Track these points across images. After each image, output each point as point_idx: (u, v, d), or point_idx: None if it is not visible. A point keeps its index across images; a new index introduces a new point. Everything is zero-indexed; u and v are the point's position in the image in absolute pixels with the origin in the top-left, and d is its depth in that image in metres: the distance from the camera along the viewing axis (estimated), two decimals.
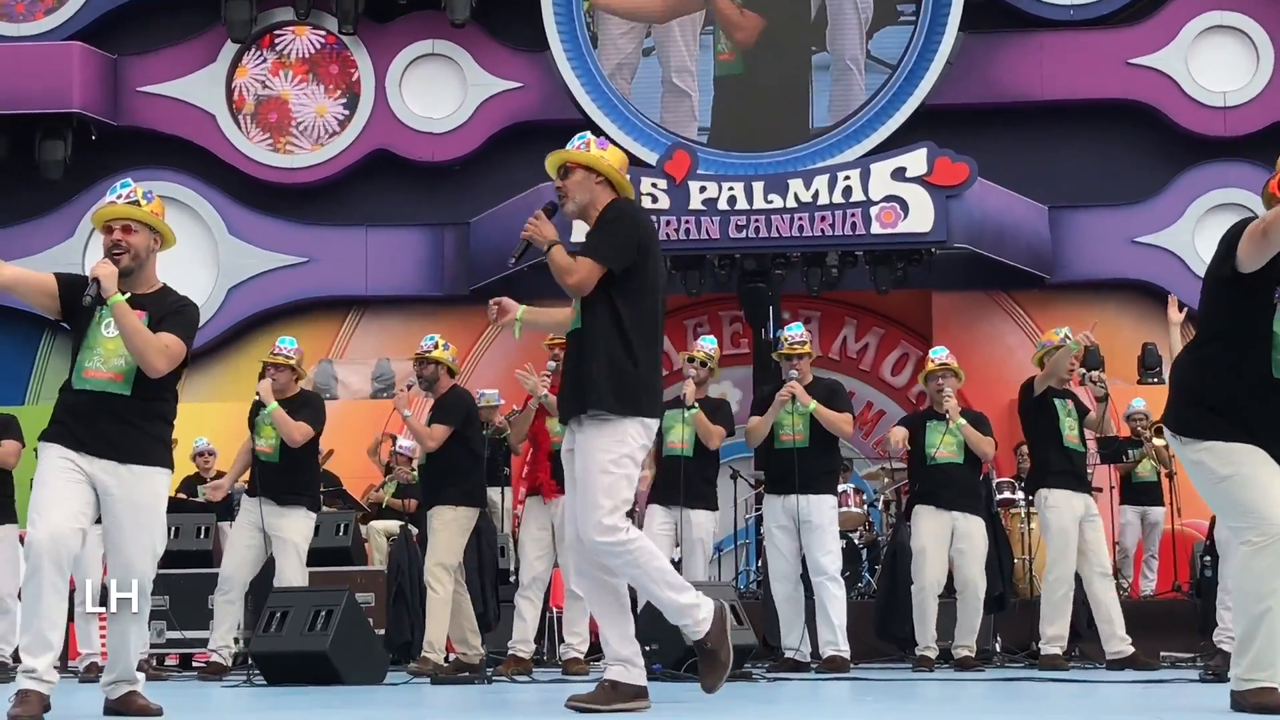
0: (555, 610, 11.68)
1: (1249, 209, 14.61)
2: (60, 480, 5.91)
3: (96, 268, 6.00)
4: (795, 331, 10.55)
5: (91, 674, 9.83)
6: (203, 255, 17.52)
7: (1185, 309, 9.13)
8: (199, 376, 17.10)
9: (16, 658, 9.93)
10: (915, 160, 15.64)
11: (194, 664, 11.67)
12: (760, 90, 17.46)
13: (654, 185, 15.79)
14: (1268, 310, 5.23)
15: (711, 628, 5.82)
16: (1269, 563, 5.14)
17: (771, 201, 15.72)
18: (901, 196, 15.56)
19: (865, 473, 15.39)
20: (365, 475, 14.84)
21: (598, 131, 16.98)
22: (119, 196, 6.18)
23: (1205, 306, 5.46)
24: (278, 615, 9.17)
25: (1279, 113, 17.03)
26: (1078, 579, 10.31)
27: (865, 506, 13.71)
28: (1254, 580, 5.18)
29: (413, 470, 13.23)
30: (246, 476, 10.53)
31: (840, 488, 11.47)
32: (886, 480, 14.28)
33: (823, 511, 10.15)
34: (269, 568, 10.33)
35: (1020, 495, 12.64)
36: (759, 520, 12.44)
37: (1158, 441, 13.20)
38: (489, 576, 11.02)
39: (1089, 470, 13.79)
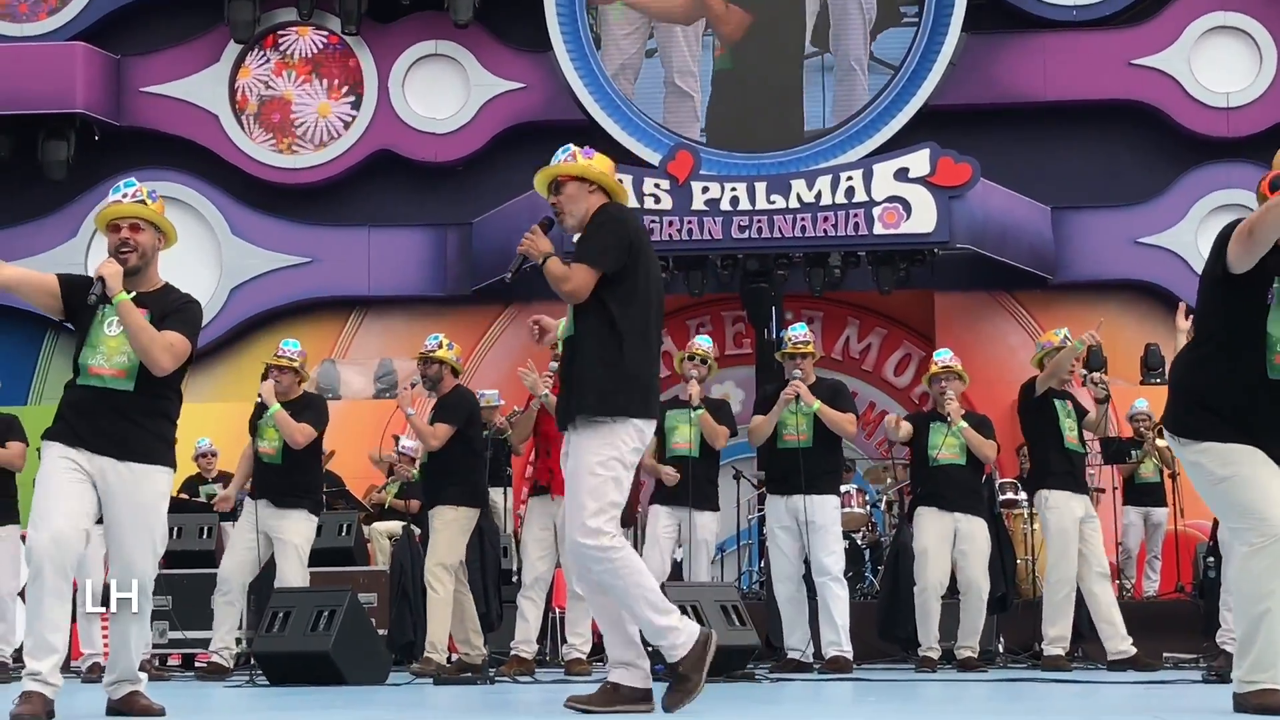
0: (558, 610, 11.68)
1: (1252, 210, 14.54)
2: (62, 482, 5.90)
3: (101, 266, 6.01)
4: (799, 331, 10.56)
5: (94, 674, 9.83)
6: (205, 255, 17.52)
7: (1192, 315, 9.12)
8: (201, 377, 17.09)
9: (16, 658, 9.98)
10: (918, 161, 15.64)
11: (196, 664, 11.67)
12: (751, 88, 17.45)
13: (657, 186, 15.78)
14: (1262, 311, 5.22)
15: (689, 653, 5.68)
16: (1267, 564, 5.14)
17: (774, 202, 15.72)
18: (904, 197, 15.55)
19: (866, 470, 15.38)
20: (368, 476, 14.85)
21: (597, 133, 17.02)
22: (124, 195, 6.18)
23: (1201, 307, 5.47)
24: (280, 615, 9.19)
25: None
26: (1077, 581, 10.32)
27: (868, 507, 13.71)
28: (1253, 581, 5.18)
29: (414, 470, 13.24)
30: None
31: (843, 488, 11.48)
32: (889, 481, 14.28)
33: (826, 512, 10.16)
34: (272, 569, 10.34)
35: (1023, 496, 12.64)
36: (762, 521, 12.43)
37: (1160, 443, 13.20)
38: (491, 577, 11.02)
39: (1092, 471, 13.85)
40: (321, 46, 18.22)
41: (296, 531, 10.13)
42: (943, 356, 10.89)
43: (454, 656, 10.10)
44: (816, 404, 10.13)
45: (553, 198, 6.10)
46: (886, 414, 10.79)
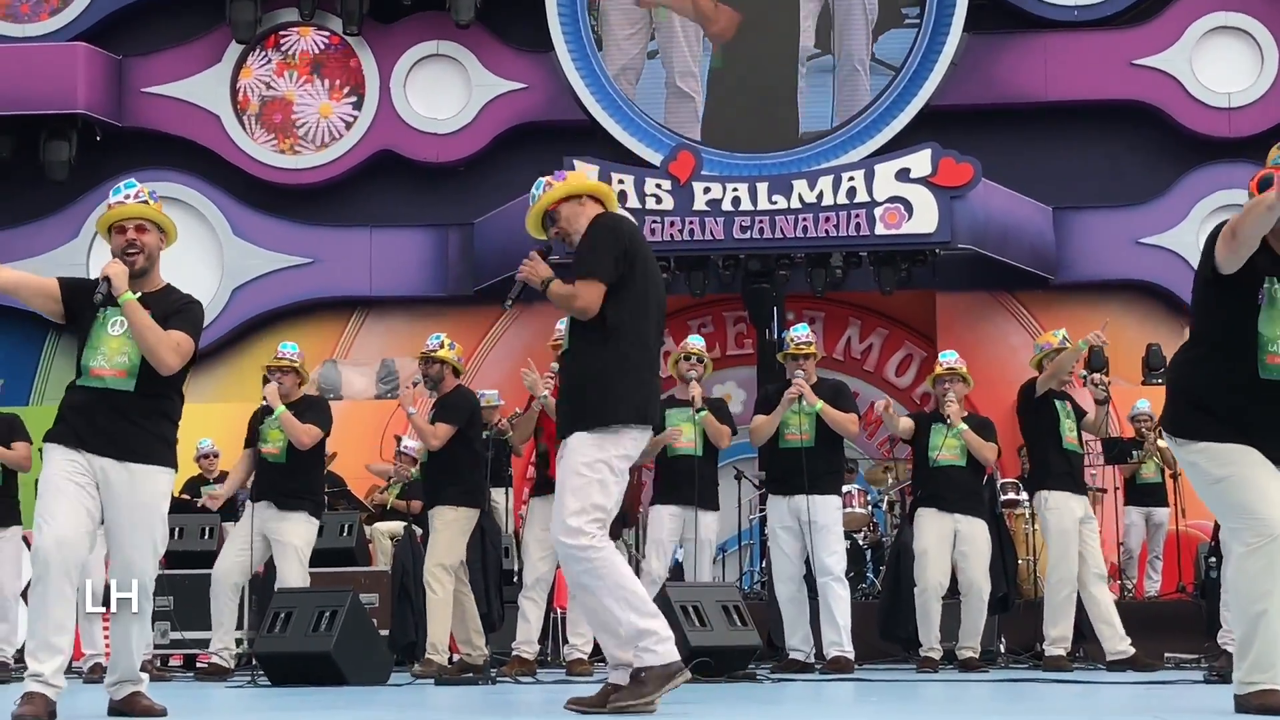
0: (559, 611, 11.69)
1: None
2: (66, 485, 5.91)
3: (108, 266, 6.04)
4: (801, 332, 10.57)
5: (96, 675, 9.83)
6: (207, 256, 17.53)
7: None
8: (203, 377, 17.09)
9: (19, 659, 9.99)
10: (919, 161, 15.64)
11: (197, 665, 11.68)
12: (743, 89, 17.44)
13: (658, 186, 15.78)
14: (1253, 311, 5.23)
15: (658, 667, 5.62)
16: (1263, 564, 5.14)
17: (776, 202, 15.72)
18: (906, 197, 15.55)
19: (867, 471, 15.37)
20: (369, 477, 14.85)
21: (598, 133, 17.04)
22: (126, 196, 6.19)
23: (1195, 307, 5.49)
24: (282, 616, 9.19)
25: None
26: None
27: (869, 507, 13.72)
28: (1249, 582, 5.18)
29: (413, 470, 13.25)
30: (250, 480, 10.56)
31: (844, 488, 11.48)
32: (890, 481, 14.29)
33: (828, 512, 10.18)
34: (274, 571, 10.35)
35: (1024, 496, 12.64)
36: (763, 521, 12.44)
37: (1162, 443, 13.21)
38: (493, 577, 11.03)
39: (1093, 472, 13.85)
40: (323, 47, 18.22)
41: (297, 534, 10.13)
42: (948, 358, 10.89)
43: (455, 657, 10.10)
44: (820, 404, 10.14)
45: (551, 230, 6.11)
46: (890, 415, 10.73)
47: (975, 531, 10.53)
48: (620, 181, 15.65)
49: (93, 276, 6.12)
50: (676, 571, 11.37)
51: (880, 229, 15.57)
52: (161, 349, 5.99)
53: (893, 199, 15.55)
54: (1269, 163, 5.29)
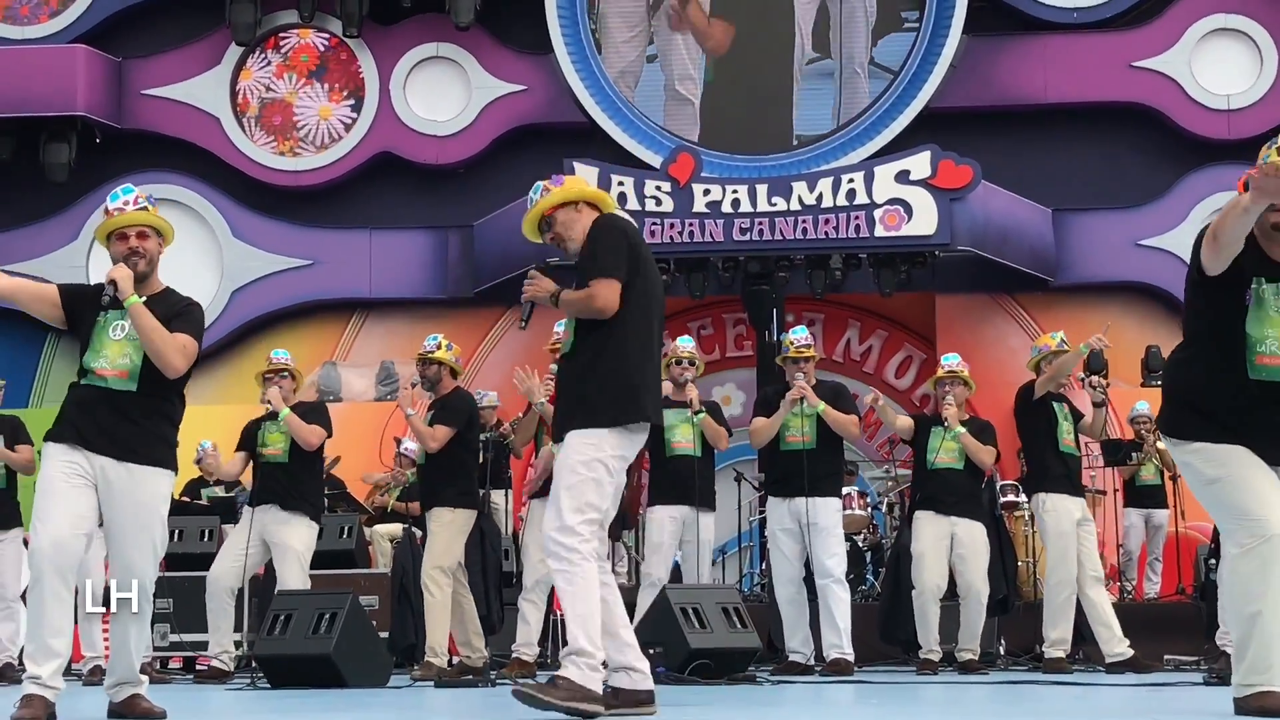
0: (559, 613, 11.68)
1: None
2: (63, 485, 5.92)
3: (113, 270, 6.07)
4: (800, 335, 10.57)
5: (95, 677, 9.84)
6: (207, 258, 17.53)
7: None
8: (203, 379, 17.08)
9: (23, 660, 9.99)
10: (919, 163, 15.65)
11: (197, 668, 11.68)
12: (741, 93, 17.45)
13: (658, 188, 15.79)
14: (1241, 311, 5.24)
15: (575, 684, 5.55)
16: (1256, 565, 5.14)
17: (775, 204, 15.73)
18: (905, 199, 15.56)
19: (870, 475, 15.39)
20: (372, 473, 14.84)
21: (598, 135, 17.04)
22: (125, 203, 6.21)
23: (1186, 309, 5.51)
24: (282, 618, 9.19)
25: None
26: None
27: (869, 509, 13.73)
28: (1243, 583, 5.19)
29: (409, 473, 13.26)
30: (248, 476, 10.58)
31: (844, 490, 11.48)
32: (890, 483, 14.29)
33: (828, 514, 10.18)
34: (274, 573, 10.35)
35: (1024, 498, 12.64)
36: (763, 523, 12.44)
37: (1161, 445, 13.21)
38: (493, 579, 11.03)
39: (1093, 473, 13.86)
40: (323, 49, 18.23)
41: (299, 538, 10.14)
42: (950, 361, 10.90)
43: (455, 659, 10.10)
44: (822, 405, 10.15)
45: (547, 235, 6.10)
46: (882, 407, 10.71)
47: (973, 534, 10.54)
48: (620, 183, 15.66)
49: (93, 279, 6.15)
50: (675, 574, 11.37)
51: (880, 231, 15.58)
52: (169, 352, 6.02)
53: (892, 201, 15.56)
54: (1259, 161, 5.30)
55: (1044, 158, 17.33)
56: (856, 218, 15.58)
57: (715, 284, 16.56)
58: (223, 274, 17.64)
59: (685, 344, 10.66)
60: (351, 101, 18.05)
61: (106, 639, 8.65)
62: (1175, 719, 5.72)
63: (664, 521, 10.36)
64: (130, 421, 6.04)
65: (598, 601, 5.74)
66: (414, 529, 11.90)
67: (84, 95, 17.45)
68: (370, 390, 17.59)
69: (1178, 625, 11.92)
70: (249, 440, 10.42)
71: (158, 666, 11.33)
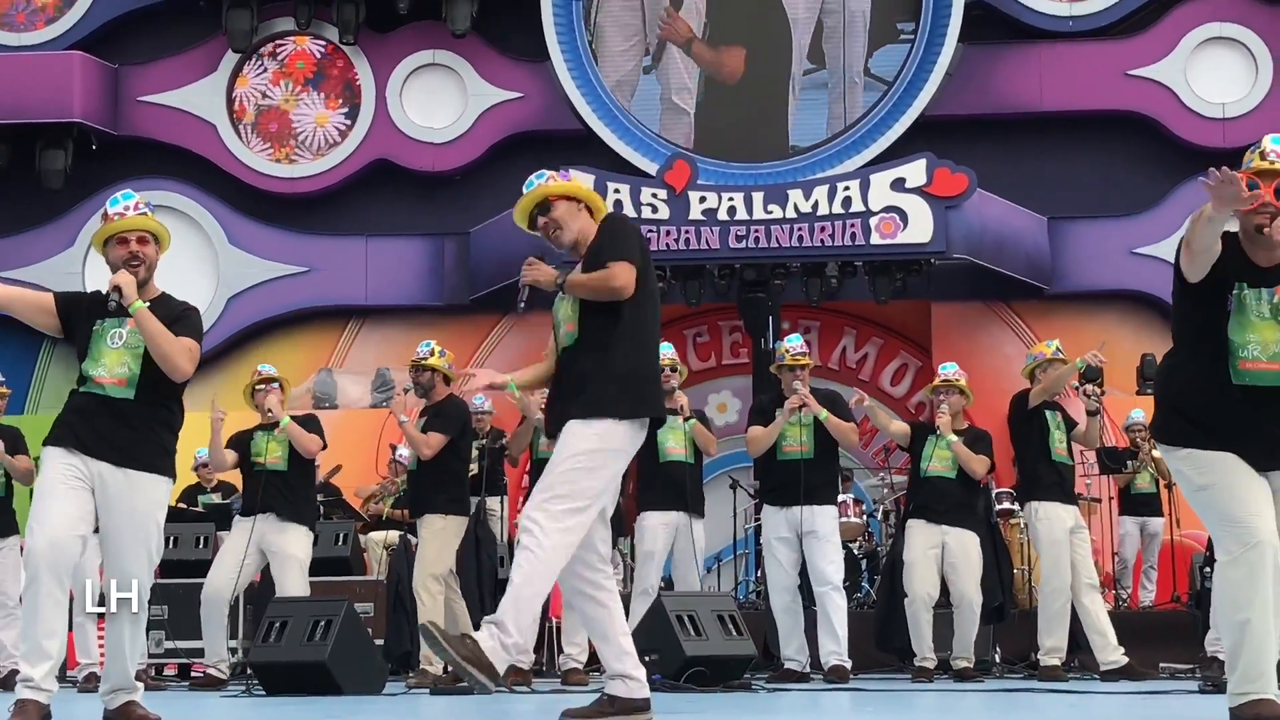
0: (554, 620, 11.68)
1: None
2: (60, 487, 5.93)
3: (117, 276, 6.09)
4: (795, 343, 10.57)
5: (90, 684, 9.84)
6: (203, 265, 17.53)
7: None
8: (199, 386, 16.93)
9: None
10: (915, 171, 15.66)
11: (192, 675, 11.67)
12: (732, 108, 17.46)
13: (654, 195, 15.80)
14: (1223, 317, 5.26)
15: (484, 655, 5.44)
16: (1244, 572, 5.14)
17: (771, 212, 15.74)
18: (901, 207, 15.58)
19: (866, 483, 15.40)
20: (364, 484, 14.84)
21: (594, 142, 17.04)
22: (126, 208, 6.22)
23: (1173, 314, 5.53)
24: (277, 625, 9.18)
25: (1277, 124, 17.03)
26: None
27: (865, 517, 13.73)
28: (1231, 590, 5.19)
29: (399, 480, 13.27)
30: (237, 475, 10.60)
31: (840, 498, 11.49)
32: (886, 491, 14.29)
33: (826, 521, 10.19)
34: (270, 581, 10.34)
35: (1019, 506, 12.64)
36: (758, 530, 12.43)
37: (1156, 453, 13.21)
38: (488, 585, 11.03)
39: (1088, 481, 13.86)
40: (319, 56, 18.24)
41: (299, 546, 10.14)
42: (947, 370, 10.90)
43: (449, 666, 10.08)
44: (824, 413, 10.16)
45: (541, 220, 6.08)
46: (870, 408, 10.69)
47: (964, 543, 10.52)
48: (616, 191, 15.68)
49: (89, 286, 6.17)
50: (666, 581, 11.37)
51: (875, 239, 15.59)
52: (176, 355, 6.04)
53: (888, 209, 15.57)
54: (1243, 166, 5.33)
55: (1039, 166, 17.35)
56: (852, 225, 15.59)
57: (711, 291, 16.57)
58: (219, 281, 17.64)
59: (666, 351, 10.64)
60: (347, 108, 18.06)
61: (102, 646, 8.66)
62: None
63: (656, 529, 10.37)
64: (130, 428, 6.05)
65: (545, 592, 5.69)
66: (409, 536, 11.89)
67: (80, 102, 17.45)
68: (366, 397, 17.58)
69: (1173, 633, 11.92)
70: (237, 450, 10.40)
71: (153, 673, 11.32)
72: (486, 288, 16.56)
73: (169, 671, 12.28)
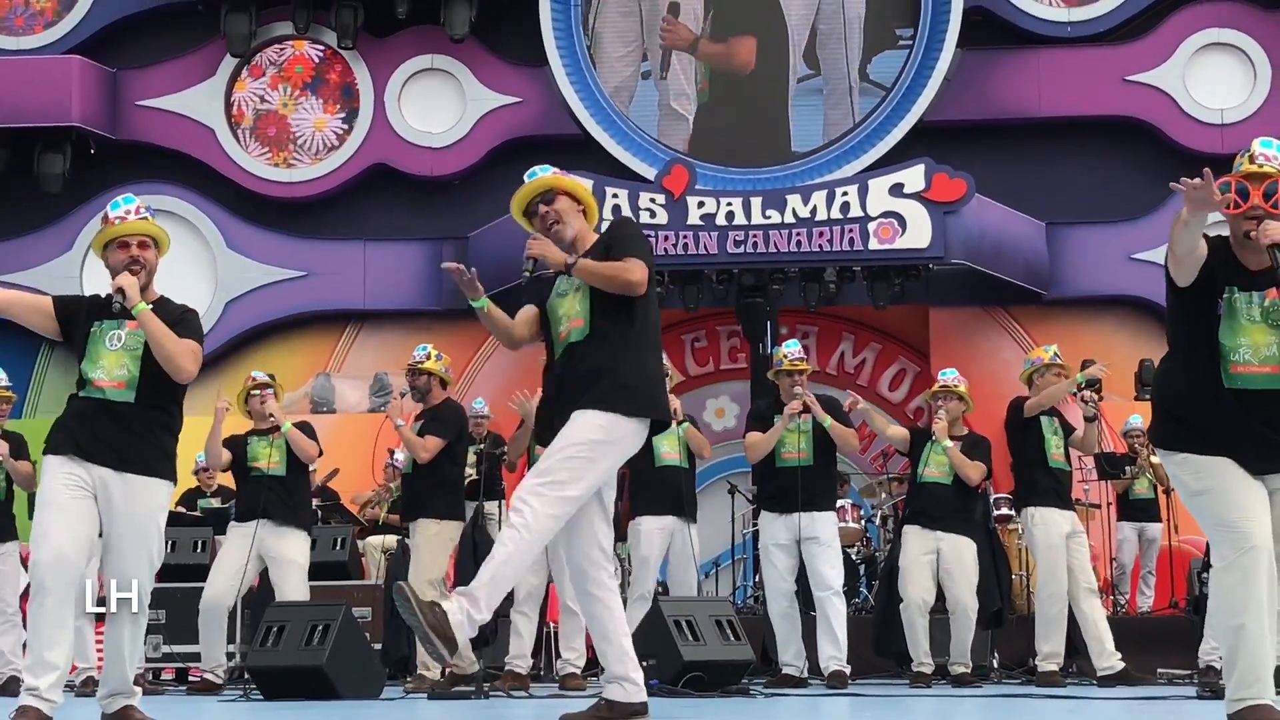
0: (552, 625, 11.68)
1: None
2: (64, 498, 5.93)
3: (120, 279, 6.10)
4: (793, 348, 10.57)
5: (88, 688, 9.83)
6: (201, 269, 17.52)
7: None
8: (197, 390, 16.81)
9: None
10: (913, 176, 15.66)
11: (189, 679, 11.66)
12: (731, 113, 17.47)
13: (652, 200, 15.80)
14: (1215, 321, 5.26)
15: (447, 627, 5.47)
16: (1238, 578, 5.14)
17: (769, 217, 15.74)
18: (899, 212, 15.58)
19: (862, 487, 15.38)
20: (361, 489, 14.83)
21: (593, 147, 17.04)
22: (127, 212, 6.23)
23: (1168, 320, 5.53)
24: (275, 630, 9.17)
25: (1276, 130, 17.00)
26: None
27: (863, 522, 13.72)
28: (1226, 596, 5.19)
29: (393, 487, 13.26)
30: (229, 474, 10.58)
31: (838, 503, 11.49)
32: (884, 496, 14.29)
33: (827, 527, 10.20)
34: (268, 585, 10.33)
35: None
36: (756, 535, 12.43)
37: (1155, 459, 13.22)
38: None
39: (1086, 487, 13.86)
40: (318, 60, 18.25)
41: (298, 551, 10.15)
42: (947, 376, 10.90)
43: (446, 670, 10.08)
44: (829, 420, 10.16)
45: (543, 207, 6.09)
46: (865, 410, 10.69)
47: (958, 549, 10.50)
48: (614, 195, 15.68)
49: (87, 290, 6.18)
50: (663, 586, 11.36)
51: (874, 244, 15.59)
52: (180, 357, 6.05)
53: (886, 214, 15.57)
54: (1234, 169, 5.34)
55: (1038, 171, 17.36)
56: (850, 231, 15.60)
57: (709, 296, 16.57)
58: (217, 285, 17.64)
59: None
60: (346, 113, 18.06)
61: (100, 650, 8.65)
62: None
63: (652, 534, 10.38)
64: (130, 433, 6.05)
65: (519, 574, 5.71)
66: (407, 541, 11.90)
67: (79, 106, 17.46)
68: (364, 402, 17.58)
69: (1171, 639, 11.91)
70: (231, 452, 10.40)
71: (150, 678, 11.32)
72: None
73: (166, 676, 12.27)
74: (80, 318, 6.18)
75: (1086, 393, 10.41)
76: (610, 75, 17.59)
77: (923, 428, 11.32)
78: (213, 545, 12.61)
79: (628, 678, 5.80)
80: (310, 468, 10.66)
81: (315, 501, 13.15)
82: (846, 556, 12.93)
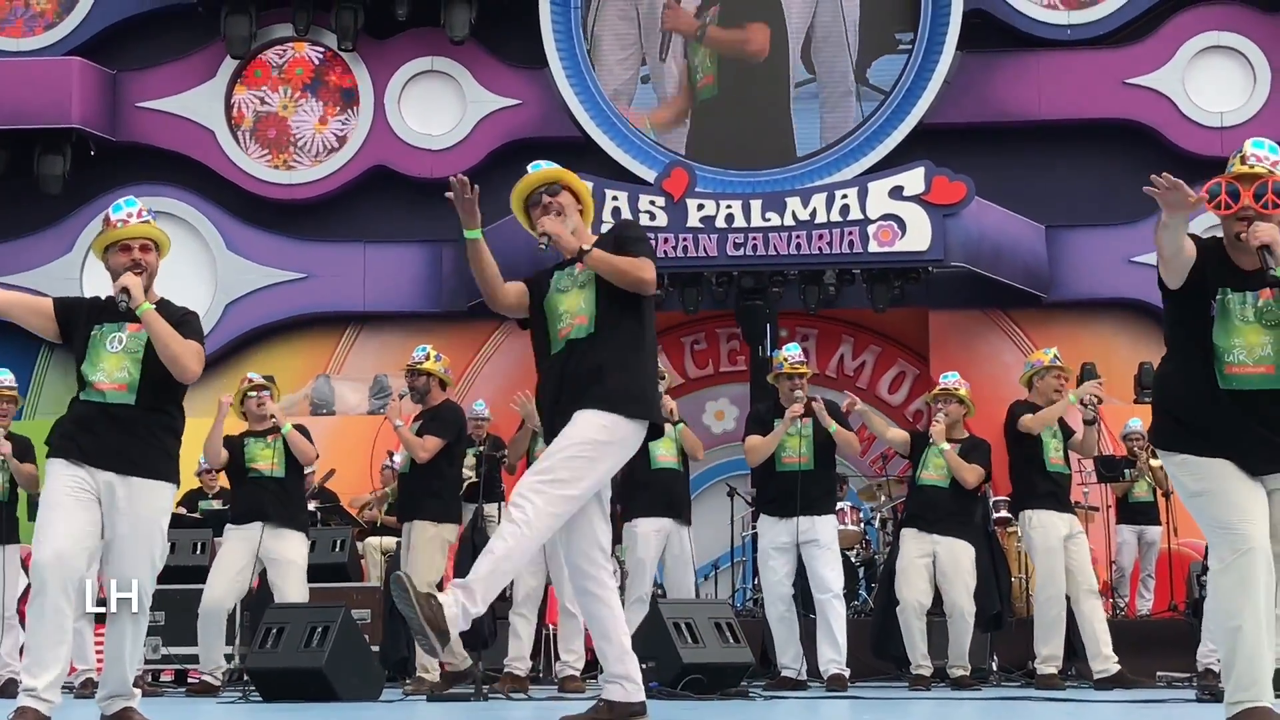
0: (550, 627, 11.68)
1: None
2: (67, 500, 5.93)
3: (124, 279, 6.11)
4: (793, 352, 10.57)
5: (87, 690, 9.83)
6: (201, 271, 17.52)
7: None
8: (197, 391, 16.80)
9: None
10: (913, 179, 15.66)
11: (188, 681, 11.66)
12: (731, 115, 17.47)
13: (652, 203, 15.81)
14: (1208, 322, 5.27)
15: (440, 616, 5.39)
16: (1235, 579, 5.15)
17: (769, 219, 15.74)
18: (899, 215, 15.58)
19: (861, 489, 15.38)
20: (360, 491, 14.84)
21: (592, 149, 17.04)
22: (129, 215, 6.23)
23: (1164, 322, 5.55)
24: (274, 631, 9.17)
25: (1276, 133, 17.00)
26: (1066, 599, 10.32)
27: (862, 524, 13.72)
28: (1223, 598, 5.20)
29: (389, 488, 13.26)
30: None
31: (838, 505, 11.50)
32: (883, 498, 14.29)
33: (827, 530, 10.22)
34: (266, 586, 10.33)
35: None
36: (755, 538, 12.43)
37: (1154, 462, 13.22)
38: None
39: (1086, 490, 13.86)
40: (318, 62, 18.25)
41: (297, 552, 10.15)
42: (948, 379, 10.90)
43: (444, 668, 10.08)
44: (834, 425, 10.16)
45: (547, 198, 6.09)
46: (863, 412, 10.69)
47: (955, 553, 10.49)
48: (614, 198, 15.69)
49: (87, 292, 6.19)
50: (660, 588, 11.36)
51: (873, 246, 15.60)
52: (185, 357, 6.06)
53: (886, 217, 15.58)
54: (1226, 170, 5.35)
55: (1037, 174, 17.36)
56: (850, 233, 15.60)
57: (709, 299, 16.57)
58: (216, 287, 17.63)
59: None
60: (346, 115, 18.06)
61: (100, 651, 8.65)
62: None
63: (648, 536, 10.38)
64: (132, 435, 6.05)
65: (517, 569, 5.74)
66: (401, 541, 11.90)
67: (79, 107, 17.45)
68: (364, 404, 17.58)
69: (1170, 642, 11.91)
70: (228, 452, 10.40)
71: (149, 680, 11.32)
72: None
73: (165, 677, 12.27)
74: (80, 320, 6.18)
75: (1086, 396, 10.41)
76: (609, 79, 17.60)
77: (923, 430, 11.33)
78: (212, 547, 12.61)
79: (628, 677, 5.80)
80: (307, 470, 10.67)
81: (314, 503, 13.18)
82: (845, 559, 12.93)
